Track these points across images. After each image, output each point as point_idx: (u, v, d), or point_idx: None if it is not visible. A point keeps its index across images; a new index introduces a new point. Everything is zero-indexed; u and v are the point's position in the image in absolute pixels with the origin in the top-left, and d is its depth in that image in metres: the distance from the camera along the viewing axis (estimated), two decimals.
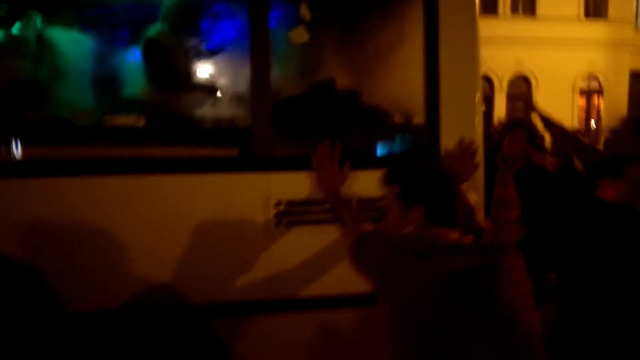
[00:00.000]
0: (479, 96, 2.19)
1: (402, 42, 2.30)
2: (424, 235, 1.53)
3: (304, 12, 2.05)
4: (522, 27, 19.72)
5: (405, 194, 1.59)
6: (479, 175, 2.14)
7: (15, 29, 2.50)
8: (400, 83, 2.36)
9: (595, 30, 20.56)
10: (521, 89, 20.52)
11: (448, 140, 2.10)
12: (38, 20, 2.60)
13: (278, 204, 2.02)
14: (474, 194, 2.02)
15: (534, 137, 3.92)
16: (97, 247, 1.89)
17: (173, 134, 2.05)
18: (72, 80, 2.30)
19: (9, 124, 1.98)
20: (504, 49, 18.80)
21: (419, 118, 2.27)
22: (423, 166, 1.70)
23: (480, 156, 2.08)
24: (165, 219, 1.94)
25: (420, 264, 1.46)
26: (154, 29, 2.43)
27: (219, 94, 2.33)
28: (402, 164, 1.72)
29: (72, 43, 2.78)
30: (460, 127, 2.13)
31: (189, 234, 1.96)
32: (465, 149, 2.04)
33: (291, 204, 2.03)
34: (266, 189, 2.01)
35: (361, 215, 1.94)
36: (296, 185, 2.05)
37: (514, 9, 20.43)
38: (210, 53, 2.31)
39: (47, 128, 1.99)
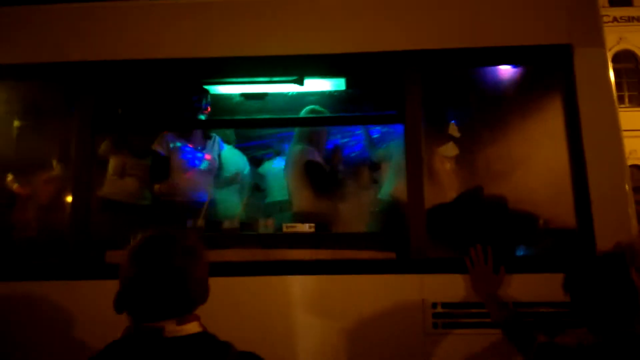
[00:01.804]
0: (628, 188, 2.16)
1: (544, 146, 2.41)
2: None
3: (452, 130, 2.31)
4: None
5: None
6: None
7: (207, 150, 3.18)
8: (547, 185, 2.41)
9: None
10: None
11: (603, 240, 2.05)
12: (219, 143, 3.28)
13: (434, 305, 2.13)
14: None
15: None
16: (269, 338, 2.15)
17: (338, 239, 2.35)
18: (254, 191, 2.82)
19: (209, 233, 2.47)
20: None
21: (568, 218, 2.26)
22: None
23: None
24: (330, 315, 2.16)
25: None
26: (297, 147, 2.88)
27: (374, 203, 2.64)
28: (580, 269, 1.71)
29: (238, 161, 3.40)
30: (614, 222, 2.10)
31: (351, 330, 2.14)
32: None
33: (448, 306, 2.13)
34: (422, 290, 2.14)
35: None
36: (452, 287, 2.15)
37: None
38: (373, 166, 2.67)
39: (239, 235, 2.43)
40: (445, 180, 2.44)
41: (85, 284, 2.22)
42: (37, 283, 2.23)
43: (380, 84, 2.52)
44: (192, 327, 1.28)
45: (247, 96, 2.70)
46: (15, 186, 3.10)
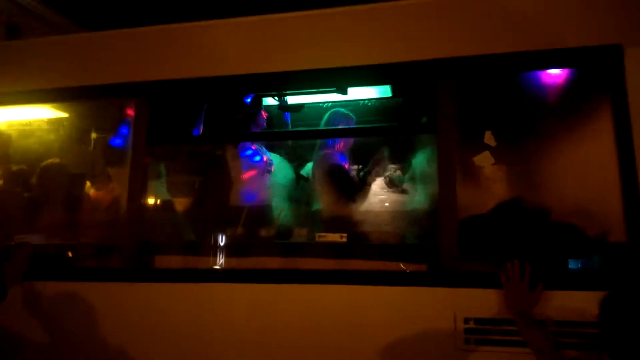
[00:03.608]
0: None
1: (591, 153, 2.24)
2: None
3: (489, 138, 2.23)
4: None
5: None
6: None
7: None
8: (593, 195, 2.25)
9: None
10: None
11: None
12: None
13: (467, 320, 2.08)
14: None
15: None
16: (298, 345, 2.21)
17: (369, 249, 2.36)
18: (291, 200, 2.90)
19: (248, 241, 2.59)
20: None
21: (618, 230, 2.10)
22: None
23: None
24: (359, 326, 2.17)
25: None
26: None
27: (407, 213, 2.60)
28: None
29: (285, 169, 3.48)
30: None
31: (380, 343, 2.14)
32: None
33: (481, 322, 2.07)
34: (454, 304, 2.10)
35: (556, 340, 1.85)
36: (485, 302, 2.08)
37: None
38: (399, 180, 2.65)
39: (275, 244, 2.53)
40: (481, 191, 2.35)
41: (136, 286, 2.43)
42: (94, 284, 2.47)
43: (415, 92, 2.49)
44: None
45: (283, 108, 2.78)
46: (92, 192, 3.44)
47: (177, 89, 2.62)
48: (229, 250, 2.50)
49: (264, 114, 3.17)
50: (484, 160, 2.24)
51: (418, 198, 2.62)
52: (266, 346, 2.21)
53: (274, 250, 2.46)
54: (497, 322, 2.05)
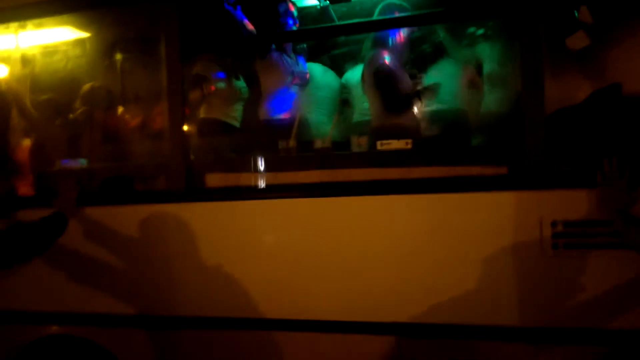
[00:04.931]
0: None
1: None
2: None
3: (584, 15, 1.86)
4: None
5: None
6: None
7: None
8: None
9: None
10: None
11: None
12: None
13: (554, 224, 1.88)
14: None
15: None
16: (372, 259, 2.09)
17: (440, 154, 2.13)
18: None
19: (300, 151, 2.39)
20: None
21: None
22: None
23: None
24: (437, 236, 2.01)
25: None
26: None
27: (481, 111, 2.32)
28: None
29: (327, 76, 3.20)
30: None
31: (457, 254, 1.98)
32: None
33: (570, 224, 1.87)
34: (540, 208, 1.89)
35: None
36: (574, 204, 1.87)
37: None
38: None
39: (329, 154, 2.32)
40: (571, 78, 2.03)
41: (188, 206, 2.31)
42: (143, 206, 2.36)
43: None
44: None
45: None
46: (127, 116, 3.28)
47: None
48: (283, 164, 2.32)
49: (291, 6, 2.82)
50: (578, 41, 1.90)
51: (493, 96, 2.32)
52: (337, 264, 2.09)
53: (331, 162, 2.26)
54: (590, 224, 1.85)
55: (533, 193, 1.92)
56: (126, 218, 2.37)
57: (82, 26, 3.28)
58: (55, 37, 3.32)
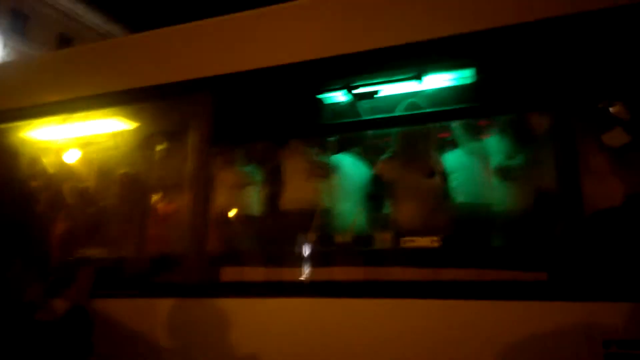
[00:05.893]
0: None
1: None
2: None
3: (620, 111, 1.75)
4: None
5: None
6: None
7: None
8: None
9: None
10: None
11: None
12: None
13: (607, 344, 1.61)
14: None
15: None
16: None
17: (469, 256, 1.94)
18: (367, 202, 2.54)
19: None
20: None
21: None
22: None
23: None
24: (461, 352, 1.77)
25: None
26: None
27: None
28: None
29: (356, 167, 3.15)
30: None
31: None
32: None
33: (627, 345, 1.59)
34: (590, 323, 1.64)
35: None
36: (630, 320, 1.61)
37: None
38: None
39: (351, 250, 2.18)
40: (612, 178, 1.87)
41: (200, 302, 2.18)
42: (156, 300, 2.25)
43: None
44: None
45: (358, 96, 2.45)
46: (160, 205, 3.31)
47: (244, 81, 2.40)
48: (301, 260, 2.19)
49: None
50: (616, 138, 1.77)
51: (520, 192, 2.17)
52: None
53: (351, 259, 2.11)
54: None
55: (579, 305, 1.67)
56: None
57: (121, 117, 3.47)
58: (92, 130, 3.50)
